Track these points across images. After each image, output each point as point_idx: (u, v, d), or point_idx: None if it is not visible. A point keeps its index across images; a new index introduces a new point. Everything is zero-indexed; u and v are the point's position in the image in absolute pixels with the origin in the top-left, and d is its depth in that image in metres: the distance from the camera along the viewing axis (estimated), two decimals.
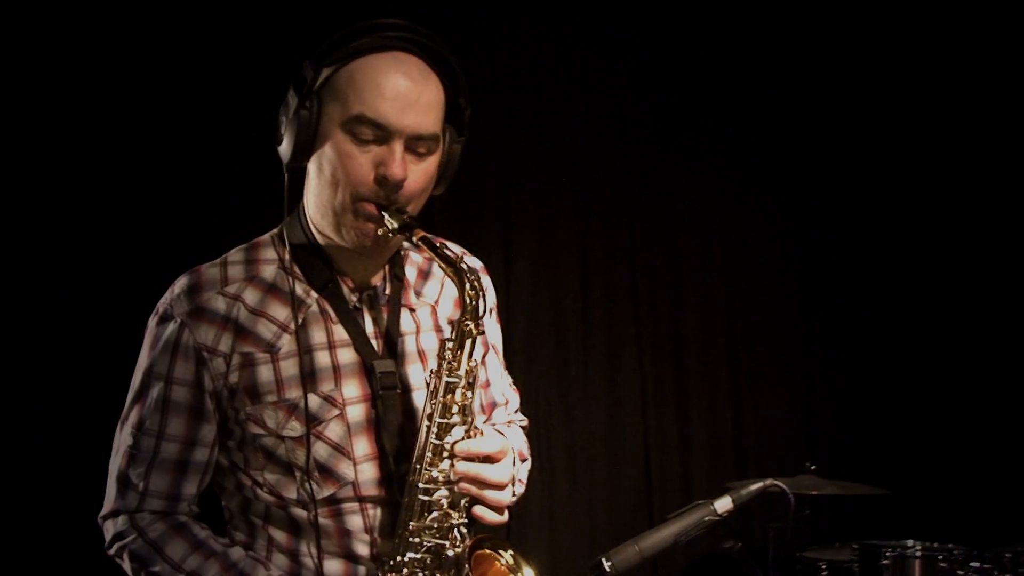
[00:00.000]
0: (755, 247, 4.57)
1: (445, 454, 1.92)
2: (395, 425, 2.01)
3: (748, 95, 4.56)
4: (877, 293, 4.57)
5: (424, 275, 2.17)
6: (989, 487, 4.15)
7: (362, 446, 1.99)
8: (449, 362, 1.94)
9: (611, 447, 4.41)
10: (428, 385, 1.97)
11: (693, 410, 4.50)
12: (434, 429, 1.92)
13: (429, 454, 1.92)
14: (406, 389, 2.04)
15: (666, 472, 4.47)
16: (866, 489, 3.74)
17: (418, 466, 1.93)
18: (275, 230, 2.11)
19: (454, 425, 1.93)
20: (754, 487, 2.01)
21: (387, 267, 2.10)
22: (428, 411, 1.94)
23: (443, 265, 1.96)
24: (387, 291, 2.09)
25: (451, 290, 2.15)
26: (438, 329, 2.14)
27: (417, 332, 2.11)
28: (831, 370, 4.59)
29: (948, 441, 4.33)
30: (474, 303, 1.94)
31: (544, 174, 4.33)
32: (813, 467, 3.81)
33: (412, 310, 2.12)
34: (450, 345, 1.95)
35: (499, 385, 2.30)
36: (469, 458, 1.92)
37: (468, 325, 1.94)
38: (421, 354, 2.09)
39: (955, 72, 4.36)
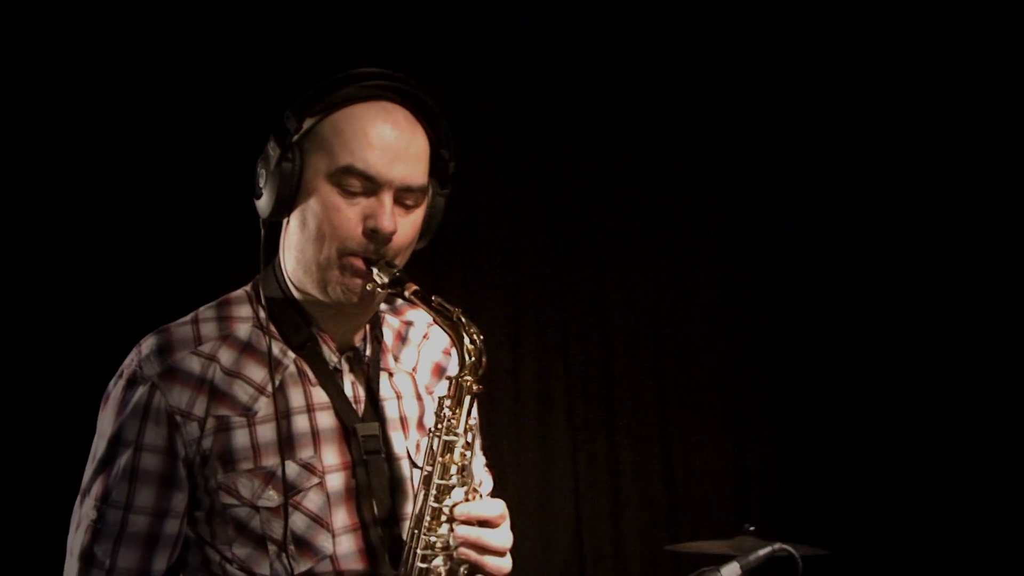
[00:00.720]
0: (684, 302, 4.54)
1: (444, 517, 1.82)
2: (380, 493, 1.91)
3: (673, 149, 4.54)
4: (810, 349, 4.57)
5: (401, 339, 2.09)
6: (931, 547, 4.17)
7: (341, 517, 1.88)
8: (448, 420, 1.85)
9: (543, 510, 4.33)
10: (425, 444, 1.89)
11: (624, 469, 4.44)
12: (432, 491, 1.82)
13: (428, 518, 1.82)
14: (389, 456, 1.94)
15: (597, 534, 4.40)
16: (807, 550, 3.71)
17: (416, 531, 1.83)
18: (247, 286, 2.00)
19: (453, 487, 1.83)
20: (762, 552, 1.96)
21: (367, 327, 2.01)
22: (426, 472, 1.85)
23: (439, 320, 1.87)
24: (367, 352, 1.99)
25: (429, 356, 2.11)
26: (419, 397, 2.05)
27: (398, 398, 2.02)
28: (765, 426, 4.57)
29: (888, 498, 4.34)
30: (474, 359, 1.85)
31: (473, 233, 4.28)
32: (752, 528, 3.77)
33: (391, 375, 2.03)
34: (448, 402, 1.86)
35: (476, 464, 2.21)
36: (468, 522, 1.82)
37: (467, 381, 1.86)
38: (403, 421, 2.00)
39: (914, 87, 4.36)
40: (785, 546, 1.96)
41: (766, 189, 4.54)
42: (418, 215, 1.92)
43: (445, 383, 2.07)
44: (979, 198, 4.32)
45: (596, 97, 4.41)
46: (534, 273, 4.40)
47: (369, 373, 1.98)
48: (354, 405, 1.94)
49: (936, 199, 4.37)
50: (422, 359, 2.09)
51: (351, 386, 1.95)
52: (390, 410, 1.98)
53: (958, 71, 4.24)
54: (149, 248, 3.45)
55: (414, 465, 1.97)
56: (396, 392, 2.01)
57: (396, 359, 2.05)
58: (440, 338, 2.14)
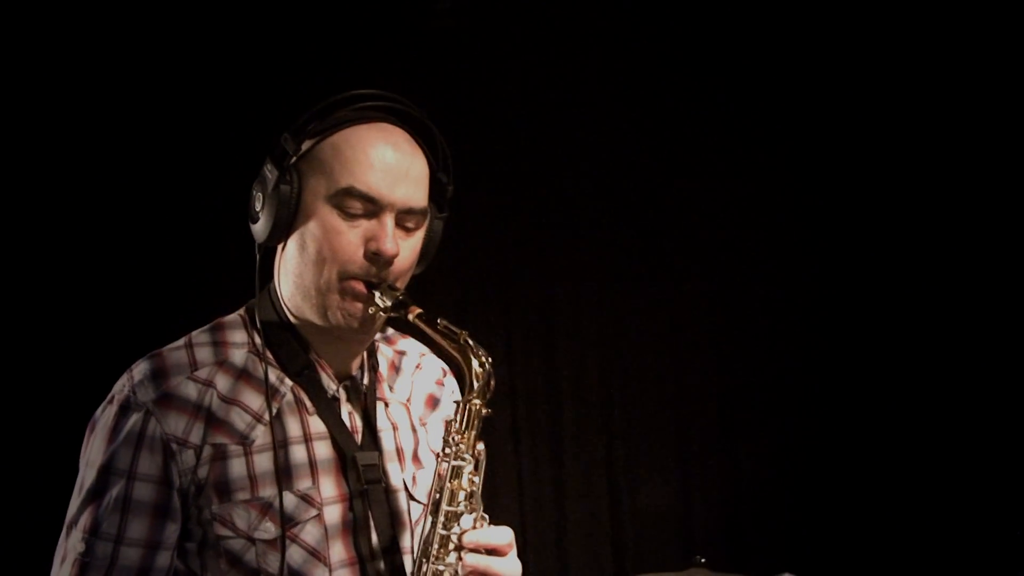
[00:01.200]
0: (630, 329, 4.53)
1: (451, 546, 1.78)
2: (378, 525, 1.86)
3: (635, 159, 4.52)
4: (754, 380, 4.60)
5: (395, 369, 2.06)
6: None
7: (338, 550, 1.83)
8: (456, 444, 1.81)
9: None
10: (422, 477, 1.87)
11: (569, 502, 4.42)
12: (441, 518, 1.78)
13: (435, 546, 1.78)
14: (387, 488, 1.90)
15: (543, 566, 4.36)
16: None
17: (423, 560, 1.79)
18: (240, 311, 1.95)
19: (461, 513, 1.80)
20: None
21: (364, 356, 1.97)
22: (435, 498, 1.81)
23: (445, 343, 1.84)
24: (365, 381, 1.95)
25: (422, 387, 2.08)
26: (413, 429, 2.02)
27: (394, 429, 1.98)
28: (709, 456, 4.58)
29: (836, 525, 4.38)
30: (482, 382, 1.82)
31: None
32: (703, 560, 3.77)
33: (387, 405, 1.99)
34: (456, 426, 1.83)
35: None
36: (477, 550, 1.79)
37: (476, 404, 1.83)
38: (399, 453, 1.96)
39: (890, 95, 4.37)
40: None
41: (713, 232, 4.57)
42: (418, 238, 1.90)
43: (443, 410, 2.06)
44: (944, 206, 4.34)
45: (573, 104, 4.37)
46: (482, 294, 4.35)
47: (367, 403, 1.93)
48: (353, 435, 1.90)
49: (899, 213, 4.38)
50: (416, 390, 2.06)
51: (348, 416, 1.91)
52: (387, 441, 1.94)
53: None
54: (136, 270, 3.32)
55: (411, 498, 1.93)
56: (392, 423, 1.97)
57: (391, 389, 2.01)
58: (433, 368, 2.11)
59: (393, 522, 1.88)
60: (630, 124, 4.43)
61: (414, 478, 1.95)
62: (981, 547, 4.06)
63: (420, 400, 2.06)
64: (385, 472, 1.90)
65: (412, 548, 1.89)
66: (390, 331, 2.07)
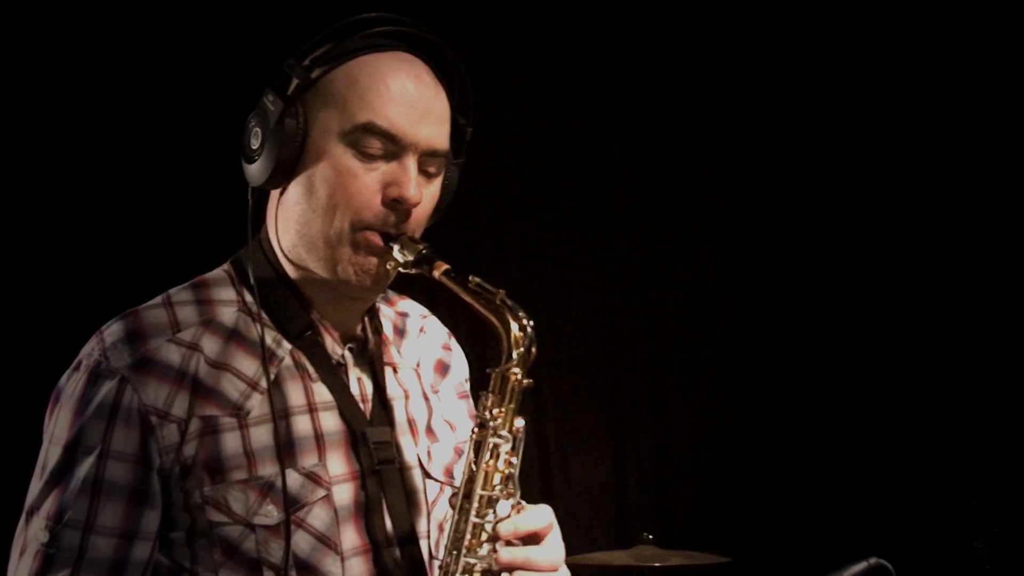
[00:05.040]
0: (564, 306, 4.38)
1: (484, 536, 1.56)
2: (393, 508, 1.64)
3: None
4: (686, 360, 4.48)
5: (399, 332, 1.82)
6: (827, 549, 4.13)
7: (350, 536, 1.60)
8: (492, 420, 1.59)
9: None
10: (438, 451, 1.67)
11: None
12: (475, 504, 1.56)
13: (467, 536, 1.56)
14: (402, 466, 1.67)
15: None
16: (709, 558, 3.61)
17: (455, 552, 1.56)
18: (224, 266, 1.70)
19: (497, 499, 1.57)
20: (857, 567, 1.82)
21: (366, 317, 1.73)
22: (467, 481, 1.58)
23: (477, 304, 1.59)
24: (370, 345, 1.72)
25: (429, 352, 1.85)
26: (425, 397, 1.79)
27: (405, 398, 1.74)
28: (643, 437, 4.44)
29: (782, 501, 4.29)
30: (522, 348, 1.59)
31: None
32: (651, 536, 3.64)
33: (396, 370, 1.75)
34: (491, 399, 1.59)
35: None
36: (514, 540, 1.57)
37: (515, 374, 1.60)
38: (411, 424, 1.73)
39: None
40: (881, 560, 1.81)
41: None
42: (437, 186, 1.67)
43: (454, 377, 1.86)
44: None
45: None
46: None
47: (375, 369, 1.70)
48: (361, 405, 1.66)
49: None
50: (424, 355, 1.83)
51: (356, 383, 1.68)
52: (398, 412, 1.71)
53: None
54: (96, 216, 2.84)
55: (427, 475, 1.71)
56: (404, 390, 1.75)
57: (399, 353, 1.78)
58: (438, 332, 1.90)
59: (409, 504, 1.66)
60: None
61: (429, 453, 1.73)
62: (936, 516, 4.03)
63: (429, 366, 1.83)
64: (399, 448, 1.67)
65: (429, 532, 1.68)
66: (388, 290, 1.83)
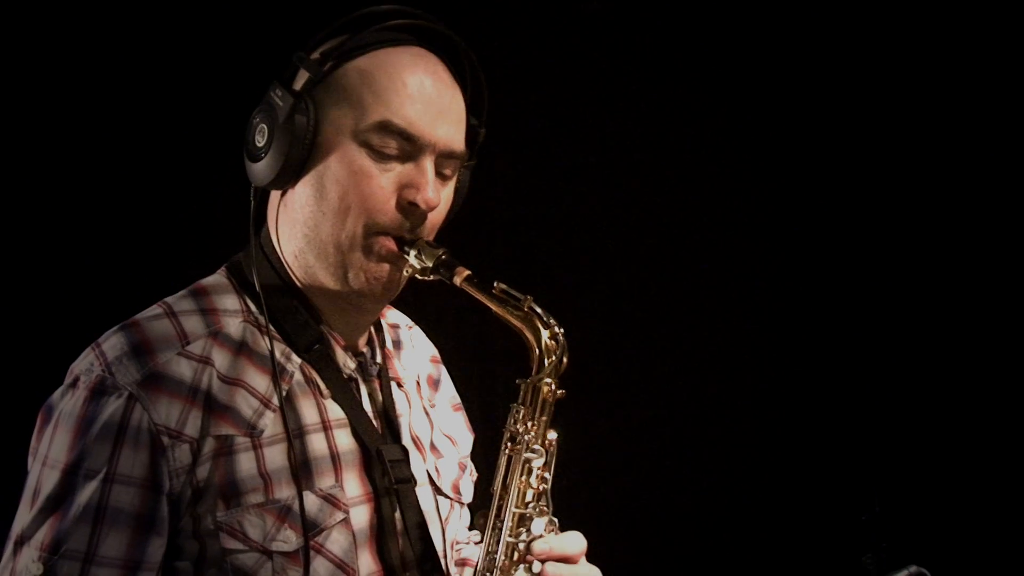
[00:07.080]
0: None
1: (516, 555, 1.49)
2: (411, 528, 1.55)
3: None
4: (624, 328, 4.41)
5: (396, 345, 1.74)
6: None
7: (366, 562, 1.50)
8: (524, 434, 1.51)
9: None
10: (446, 467, 1.60)
11: None
12: (506, 523, 1.48)
13: (500, 556, 1.48)
14: (415, 484, 1.59)
15: None
16: None
17: (487, 573, 1.49)
18: (221, 272, 1.59)
19: (531, 517, 1.50)
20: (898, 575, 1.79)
21: (371, 329, 1.64)
22: (499, 499, 1.51)
23: (503, 312, 1.52)
24: (377, 359, 1.63)
25: (421, 367, 1.78)
26: (425, 412, 1.72)
27: (410, 413, 1.67)
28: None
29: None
30: (554, 358, 1.52)
31: None
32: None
33: (400, 385, 1.68)
34: (522, 411, 1.52)
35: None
36: (549, 560, 1.50)
37: (548, 385, 1.52)
38: (417, 441, 1.65)
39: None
40: (921, 569, 1.79)
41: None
42: (451, 189, 1.60)
43: (444, 392, 1.80)
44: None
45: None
46: None
47: (382, 384, 1.62)
48: (374, 423, 1.57)
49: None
50: (419, 369, 1.76)
51: (367, 399, 1.59)
52: (404, 428, 1.63)
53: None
54: (85, 219, 2.48)
55: (439, 492, 1.64)
56: (408, 405, 1.67)
57: (401, 366, 1.70)
58: (425, 344, 1.83)
59: (423, 524, 1.57)
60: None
61: (436, 469, 1.65)
62: (825, 532, 4.05)
63: (424, 380, 1.76)
64: (411, 467, 1.59)
65: (444, 552, 1.60)
66: None
